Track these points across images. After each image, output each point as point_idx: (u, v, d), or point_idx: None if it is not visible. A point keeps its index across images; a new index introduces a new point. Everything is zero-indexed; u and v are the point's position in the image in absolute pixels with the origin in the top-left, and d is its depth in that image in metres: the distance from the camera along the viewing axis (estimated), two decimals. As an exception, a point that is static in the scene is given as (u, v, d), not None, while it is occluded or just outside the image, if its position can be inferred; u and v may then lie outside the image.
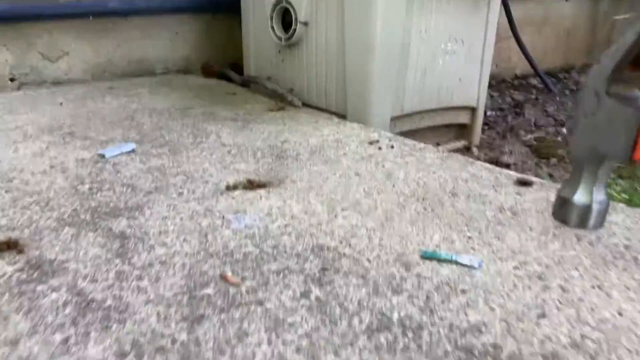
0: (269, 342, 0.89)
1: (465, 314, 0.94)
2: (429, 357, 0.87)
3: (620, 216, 1.31)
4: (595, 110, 0.85)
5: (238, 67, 2.64)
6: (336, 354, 0.87)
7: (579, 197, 0.89)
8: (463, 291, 1.00)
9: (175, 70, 2.72)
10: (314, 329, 0.92)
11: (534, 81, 3.77)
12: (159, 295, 1.00)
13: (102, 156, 1.55)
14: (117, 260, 1.10)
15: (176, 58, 2.72)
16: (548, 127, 2.92)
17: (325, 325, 0.93)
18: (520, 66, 3.76)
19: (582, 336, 0.89)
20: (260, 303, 0.98)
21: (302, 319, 0.95)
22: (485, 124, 2.76)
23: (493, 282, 1.02)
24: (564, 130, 2.87)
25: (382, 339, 0.91)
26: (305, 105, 2.14)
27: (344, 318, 0.95)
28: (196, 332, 0.90)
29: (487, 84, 2.45)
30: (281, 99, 2.16)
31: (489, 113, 3.04)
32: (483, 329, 0.91)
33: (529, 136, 2.78)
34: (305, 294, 1.01)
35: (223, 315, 0.95)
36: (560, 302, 0.98)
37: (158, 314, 0.95)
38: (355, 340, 0.90)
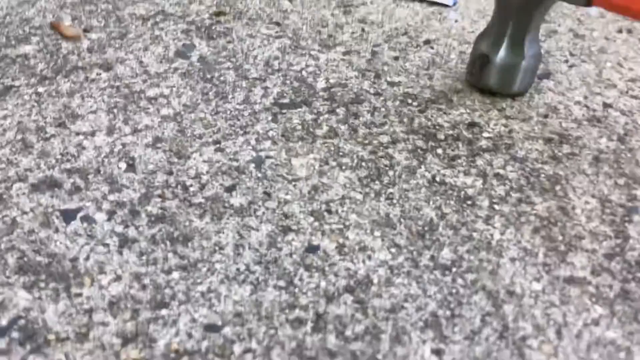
0: (110, 132, 0.58)
1: (427, 70, 0.64)
2: (367, 147, 0.58)
3: None
4: None
5: None
6: (218, 147, 0.56)
7: (506, 53, 0.58)
8: (427, 43, 0.68)
9: None
10: (187, 107, 0.61)
11: None
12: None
13: None
14: None
15: None
16: None
17: (208, 101, 0.62)
18: None
19: (605, 105, 0.61)
20: (108, 68, 0.65)
21: (171, 92, 0.63)
22: None
23: (473, 28, 0.70)
24: None
25: (297, 120, 0.60)
26: None
27: (239, 88, 0.63)
28: (-10, 118, 0.58)
29: None
30: None
31: None
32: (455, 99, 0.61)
33: None
34: (183, 53, 0.68)
35: (42, 88, 0.62)
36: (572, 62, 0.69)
37: None
38: (251, 123, 0.59)
